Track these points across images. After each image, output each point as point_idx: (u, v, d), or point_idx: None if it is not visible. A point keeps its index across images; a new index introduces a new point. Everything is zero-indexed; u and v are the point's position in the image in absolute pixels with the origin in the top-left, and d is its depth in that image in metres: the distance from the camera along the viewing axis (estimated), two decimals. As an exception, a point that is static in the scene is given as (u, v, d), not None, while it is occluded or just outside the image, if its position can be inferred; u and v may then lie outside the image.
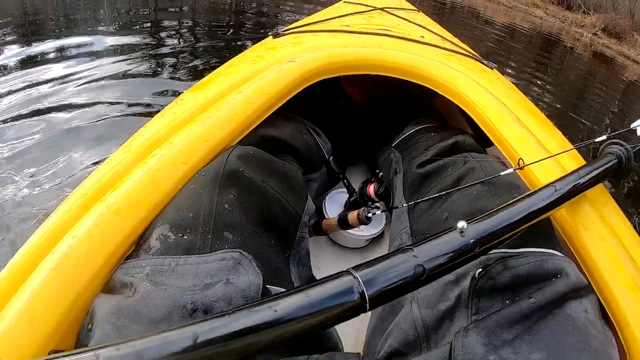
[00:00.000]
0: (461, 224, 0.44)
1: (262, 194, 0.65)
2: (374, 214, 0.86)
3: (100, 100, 2.33)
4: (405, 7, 1.89)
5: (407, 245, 0.42)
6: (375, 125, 1.22)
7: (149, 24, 4.04)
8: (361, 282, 0.36)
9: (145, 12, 4.55)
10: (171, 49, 3.38)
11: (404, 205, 0.81)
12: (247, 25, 4.68)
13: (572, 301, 0.50)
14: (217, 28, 4.46)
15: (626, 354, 0.51)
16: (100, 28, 3.61)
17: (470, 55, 1.24)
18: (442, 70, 0.98)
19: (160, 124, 0.72)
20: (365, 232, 1.05)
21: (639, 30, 10.39)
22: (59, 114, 2.15)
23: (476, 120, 0.89)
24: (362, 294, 0.35)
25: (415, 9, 1.99)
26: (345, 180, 1.09)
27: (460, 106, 0.94)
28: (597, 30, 10.46)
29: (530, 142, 0.79)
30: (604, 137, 0.79)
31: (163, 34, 3.76)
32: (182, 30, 4.03)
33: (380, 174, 1.04)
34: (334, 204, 1.13)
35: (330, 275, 0.36)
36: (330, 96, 1.19)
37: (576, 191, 0.59)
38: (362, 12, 1.55)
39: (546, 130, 0.89)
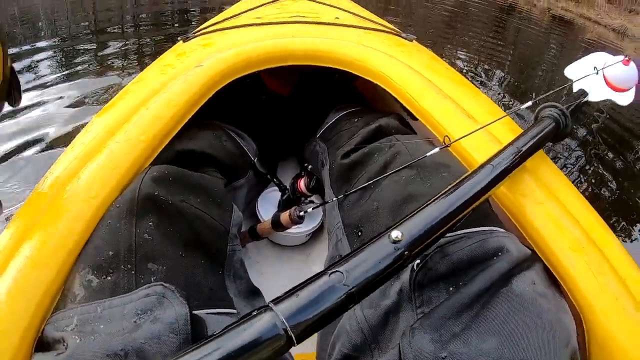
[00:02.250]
0: (395, 233, 0.42)
1: (183, 214, 0.63)
2: (305, 212, 0.86)
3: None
4: None
5: (330, 266, 0.40)
6: (300, 117, 1.21)
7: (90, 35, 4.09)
8: (283, 318, 0.34)
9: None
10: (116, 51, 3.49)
11: (333, 199, 0.80)
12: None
13: (517, 276, 0.50)
14: (162, 27, 4.58)
15: (580, 315, 0.52)
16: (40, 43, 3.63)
17: (388, 30, 1.24)
18: (357, 51, 0.98)
19: (71, 157, 0.69)
20: (303, 228, 1.05)
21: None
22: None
23: (397, 98, 0.89)
24: (286, 330, 0.34)
25: None
26: (275, 179, 1.08)
27: (380, 84, 0.93)
28: (554, -6, 10.77)
29: (456, 114, 0.78)
30: (529, 103, 0.79)
31: (107, 41, 3.82)
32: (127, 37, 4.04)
33: (310, 167, 1.03)
34: (268, 205, 1.11)
35: (249, 314, 0.35)
36: (250, 92, 1.17)
37: (515, 165, 0.58)
38: (274, 1, 1.53)
39: (474, 99, 0.88)
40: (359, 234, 0.70)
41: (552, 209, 0.60)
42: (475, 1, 8.80)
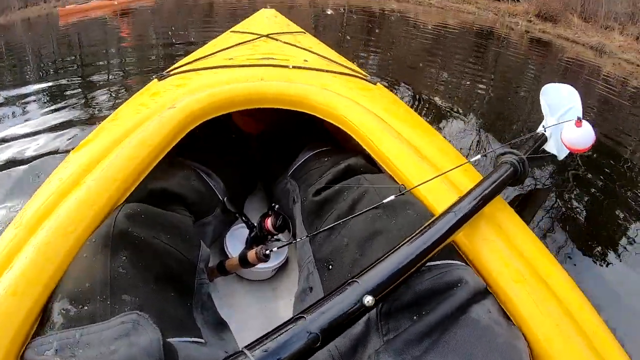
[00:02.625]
0: (367, 299, 0.47)
1: (154, 250, 0.69)
2: (271, 250, 0.89)
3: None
4: (292, 31, 1.98)
5: (298, 314, 0.45)
6: (270, 155, 1.27)
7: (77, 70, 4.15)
8: None
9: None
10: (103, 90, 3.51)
11: (303, 237, 0.86)
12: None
13: (474, 305, 0.56)
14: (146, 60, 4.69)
15: (528, 344, 0.56)
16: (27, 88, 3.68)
17: (353, 74, 1.32)
18: (322, 95, 1.04)
19: (48, 191, 0.73)
20: (269, 264, 1.09)
21: (571, 9, 11.14)
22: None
23: (359, 141, 0.94)
24: None
25: (302, 30, 2.10)
26: (243, 217, 1.13)
27: (342, 128, 0.99)
28: (531, 17, 11.13)
29: (412, 158, 0.84)
30: (478, 157, 0.85)
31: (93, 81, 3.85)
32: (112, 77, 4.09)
33: (277, 206, 1.08)
34: (235, 241, 1.14)
35: (226, 358, 0.39)
36: (221, 132, 1.23)
37: (476, 210, 0.66)
38: (246, 41, 1.62)
39: (431, 142, 0.95)
40: (330, 267, 0.77)
41: (499, 246, 0.66)
42: (454, 29, 9.06)
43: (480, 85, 4.87)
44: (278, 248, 0.91)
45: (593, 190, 2.59)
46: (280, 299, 1.11)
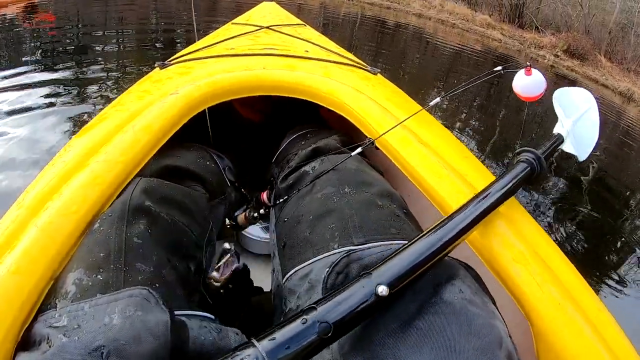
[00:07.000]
0: (380, 288, 0.50)
1: (168, 225, 0.75)
2: (259, 213, 1.11)
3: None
4: (292, 23, 2.14)
5: (309, 305, 0.48)
6: (270, 141, 1.38)
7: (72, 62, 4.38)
8: (264, 355, 0.42)
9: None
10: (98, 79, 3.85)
11: (266, 209, 1.02)
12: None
13: (444, 285, 0.58)
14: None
15: (526, 316, 0.64)
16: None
17: (354, 64, 1.46)
18: (323, 83, 1.16)
19: (51, 174, 0.79)
20: (264, 235, 1.28)
21: (598, 48, 11.44)
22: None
23: (359, 128, 1.06)
24: None
25: (303, 23, 2.25)
26: (242, 189, 1.27)
27: (344, 115, 1.11)
28: (558, 52, 11.41)
29: (408, 138, 0.95)
30: (437, 100, 0.96)
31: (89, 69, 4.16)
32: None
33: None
34: None
35: (235, 349, 0.43)
36: (225, 119, 1.36)
37: (492, 208, 0.70)
38: (248, 32, 1.76)
39: (430, 128, 1.06)
40: (284, 247, 0.83)
41: (503, 231, 0.73)
42: (473, 52, 9.26)
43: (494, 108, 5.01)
44: (262, 212, 1.11)
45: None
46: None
